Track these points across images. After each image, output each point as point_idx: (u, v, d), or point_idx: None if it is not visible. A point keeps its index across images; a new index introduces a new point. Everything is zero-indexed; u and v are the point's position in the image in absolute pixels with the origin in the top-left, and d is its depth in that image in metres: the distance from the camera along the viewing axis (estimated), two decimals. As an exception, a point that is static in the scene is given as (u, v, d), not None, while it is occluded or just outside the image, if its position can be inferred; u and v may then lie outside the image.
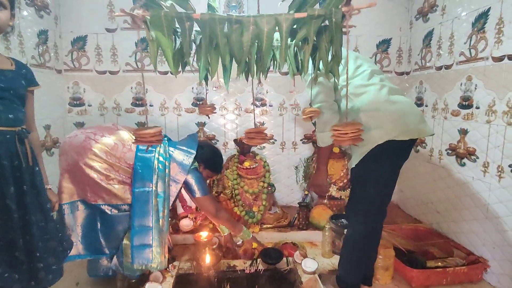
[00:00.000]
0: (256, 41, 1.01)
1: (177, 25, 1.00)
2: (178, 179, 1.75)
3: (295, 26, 1.03)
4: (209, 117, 2.68)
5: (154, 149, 1.69)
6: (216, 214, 1.86)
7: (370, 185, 1.52)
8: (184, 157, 1.78)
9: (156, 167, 1.66)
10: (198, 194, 1.80)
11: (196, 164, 1.86)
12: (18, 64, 1.29)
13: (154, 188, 1.63)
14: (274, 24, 0.97)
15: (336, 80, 1.14)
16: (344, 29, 0.98)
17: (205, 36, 0.99)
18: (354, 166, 1.55)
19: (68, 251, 1.54)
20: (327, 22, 0.99)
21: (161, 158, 1.69)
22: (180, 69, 1.23)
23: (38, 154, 1.37)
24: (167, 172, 1.70)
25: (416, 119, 1.49)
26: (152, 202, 1.61)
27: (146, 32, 0.97)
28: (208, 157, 1.95)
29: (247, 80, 1.44)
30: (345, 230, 1.79)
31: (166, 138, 1.87)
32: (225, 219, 1.91)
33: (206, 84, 1.56)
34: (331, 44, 1.00)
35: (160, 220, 1.64)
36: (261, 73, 1.26)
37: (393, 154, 1.51)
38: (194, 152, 1.80)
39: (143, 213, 1.60)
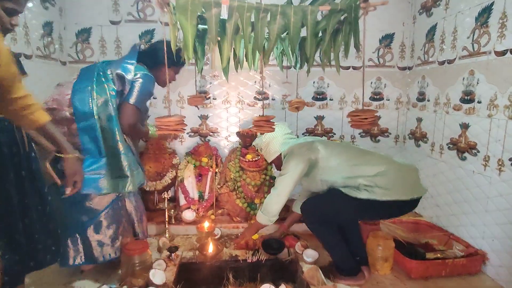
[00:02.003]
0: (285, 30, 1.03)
1: (200, 12, 1.00)
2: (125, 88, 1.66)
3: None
4: (198, 108, 2.62)
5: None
6: (134, 126, 1.70)
7: (339, 208, 1.66)
8: (126, 70, 1.66)
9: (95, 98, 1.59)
10: (132, 100, 1.65)
11: (145, 68, 1.73)
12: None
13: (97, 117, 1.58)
14: (301, 15, 0.99)
15: None
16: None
17: (230, 23, 1.00)
18: (343, 192, 1.64)
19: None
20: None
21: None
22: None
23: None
24: (109, 94, 1.61)
25: (415, 179, 1.69)
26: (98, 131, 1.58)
27: (169, 16, 0.97)
28: (152, 54, 1.80)
29: (262, 64, 1.44)
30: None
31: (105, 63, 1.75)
32: (140, 134, 1.84)
33: (200, 74, 1.59)
34: (348, 36, 1.04)
35: (119, 143, 1.62)
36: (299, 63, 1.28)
37: (386, 210, 1.67)
38: (134, 61, 1.69)
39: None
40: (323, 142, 1.81)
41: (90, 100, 1.58)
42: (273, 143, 1.87)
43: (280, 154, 1.88)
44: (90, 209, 1.66)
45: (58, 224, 1.46)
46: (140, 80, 1.67)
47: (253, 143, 2.05)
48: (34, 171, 1.33)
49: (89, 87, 1.59)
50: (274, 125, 1.19)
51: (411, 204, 1.66)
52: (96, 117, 1.57)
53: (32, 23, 2.14)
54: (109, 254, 1.70)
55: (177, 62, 1.83)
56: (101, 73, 1.65)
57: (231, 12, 0.99)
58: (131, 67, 1.67)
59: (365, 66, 2.76)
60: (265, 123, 1.12)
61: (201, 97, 1.70)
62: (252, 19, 1.04)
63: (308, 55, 1.14)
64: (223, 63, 1.21)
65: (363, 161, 1.68)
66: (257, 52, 1.28)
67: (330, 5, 1.00)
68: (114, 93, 1.62)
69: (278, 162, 1.91)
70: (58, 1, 2.45)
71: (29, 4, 2.14)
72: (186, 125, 1.10)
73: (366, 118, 1.06)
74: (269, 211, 1.78)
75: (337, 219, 1.71)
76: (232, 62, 1.44)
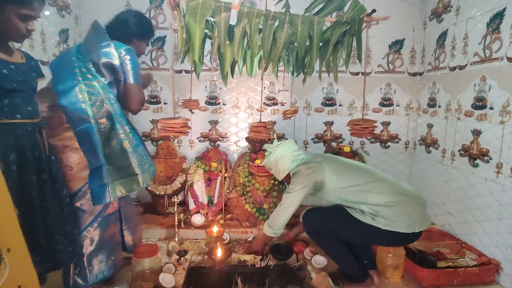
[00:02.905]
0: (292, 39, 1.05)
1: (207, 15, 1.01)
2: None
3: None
4: (192, 112, 2.55)
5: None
6: (144, 103, 1.59)
7: (343, 227, 1.67)
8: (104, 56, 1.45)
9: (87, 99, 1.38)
10: (131, 79, 1.51)
11: (119, 42, 1.54)
12: (27, 57, 1.34)
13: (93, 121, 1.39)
14: (308, 25, 1.01)
15: None
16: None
17: (238, 28, 1.02)
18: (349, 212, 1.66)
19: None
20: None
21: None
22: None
23: None
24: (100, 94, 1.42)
25: (421, 213, 1.66)
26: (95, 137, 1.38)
27: (178, 18, 0.99)
28: (121, 27, 1.65)
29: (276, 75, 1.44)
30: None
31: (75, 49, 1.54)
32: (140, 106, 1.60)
33: (198, 78, 1.56)
34: (350, 47, 1.06)
35: (124, 142, 1.45)
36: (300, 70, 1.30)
37: (387, 239, 1.67)
38: (110, 41, 1.47)
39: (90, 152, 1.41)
40: (332, 162, 1.78)
41: (82, 103, 1.36)
42: (282, 161, 1.84)
43: (289, 172, 1.86)
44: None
45: (74, 225, 1.49)
46: (127, 56, 1.50)
47: (262, 163, 2.05)
48: (54, 174, 1.37)
49: (77, 88, 1.37)
50: (271, 130, 1.21)
51: (413, 237, 1.64)
52: (92, 121, 1.36)
53: (49, 30, 2.21)
54: (103, 272, 1.59)
55: (147, 34, 1.74)
56: (84, 70, 1.43)
57: (240, 17, 1.01)
58: (112, 50, 1.46)
59: (371, 73, 2.75)
60: (263, 129, 1.13)
61: (195, 101, 1.69)
62: (260, 26, 1.06)
63: (310, 64, 1.16)
64: (225, 68, 1.22)
65: (372, 187, 1.65)
66: (255, 59, 1.30)
67: (336, 17, 1.02)
68: (107, 88, 1.45)
69: (288, 180, 1.90)
70: (74, 9, 2.52)
71: (46, 12, 2.21)
72: (190, 128, 1.12)
73: (366, 127, 1.07)
74: (274, 224, 1.80)
75: (336, 235, 1.71)
76: (237, 68, 1.45)
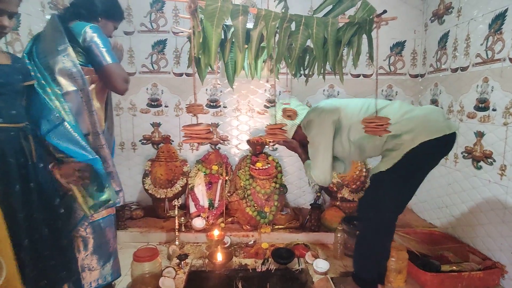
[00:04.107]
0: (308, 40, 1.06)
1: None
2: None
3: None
4: (197, 117, 2.56)
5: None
6: (127, 83, 1.48)
7: (393, 191, 1.55)
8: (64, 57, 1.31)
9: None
10: (108, 59, 1.39)
11: (81, 22, 1.42)
12: (13, 58, 1.24)
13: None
14: (323, 27, 1.01)
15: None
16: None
17: (255, 32, 1.02)
18: (383, 170, 1.54)
19: None
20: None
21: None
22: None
23: None
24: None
25: (441, 116, 1.52)
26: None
27: (195, 22, 0.98)
28: (87, 6, 1.50)
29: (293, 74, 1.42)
30: (358, 232, 1.78)
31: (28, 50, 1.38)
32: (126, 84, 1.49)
33: (202, 83, 1.52)
34: (360, 48, 1.07)
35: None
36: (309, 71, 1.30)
37: (426, 157, 1.52)
38: (67, 44, 1.32)
39: None
40: (336, 100, 1.73)
41: None
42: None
43: (299, 126, 1.77)
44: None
45: (73, 238, 1.39)
46: (94, 35, 1.37)
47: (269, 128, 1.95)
48: (42, 183, 1.24)
49: None
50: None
51: (446, 143, 1.52)
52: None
53: (35, 27, 2.19)
54: (97, 281, 1.50)
55: (115, 14, 1.61)
56: (39, 75, 1.31)
57: (257, 20, 1.01)
58: (70, 54, 1.32)
59: (372, 75, 2.74)
60: (279, 131, 1.13)
61: (200, 105, 1.67)
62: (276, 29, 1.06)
63: (318, 65, 1.16)
64: (237, 71, 1.22)
65: (382, 103, 1.59)
66: (259, 61, 1.30)
67: (349, 18, 1.03)
68: (61, 99, 1.32)
69: (301, 137, 1.78)
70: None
71: (47, 16, 2.21)
72: (214, 133, 1.11)
73: (381, 125, 1.09)
74: (324, 180, 1.67)
75: (392, 203, 1.58)
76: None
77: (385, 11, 1.04)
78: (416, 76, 2.74)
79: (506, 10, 1.79)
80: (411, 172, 1.54)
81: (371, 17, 1.03)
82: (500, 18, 1.83)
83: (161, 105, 2.77)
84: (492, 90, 1.89)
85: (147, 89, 2.74)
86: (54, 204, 1.28)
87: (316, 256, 1.95)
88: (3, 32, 1.15)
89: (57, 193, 1.31)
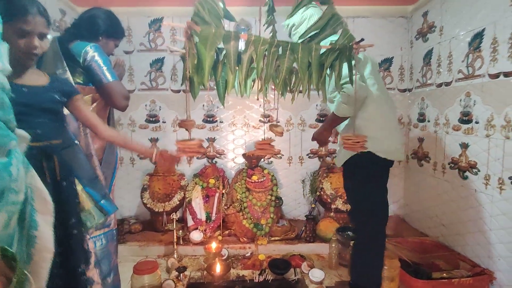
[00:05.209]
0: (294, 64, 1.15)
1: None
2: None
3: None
4: (189, 132, 2.60)
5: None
6: (127, 100, 1.53)
7: (368, 184, 1.72)
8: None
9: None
10: (109, 78, 1.44)
11: (82, 42, 1.46)
12: (53, 78, 1.27)
13: None
14: (307, 52, 1.11)
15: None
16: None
17: (246, 55, 1.12)
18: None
19: None
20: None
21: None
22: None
23: (126, 146, 1.41)
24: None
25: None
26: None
27: (190, 45, 1.06)
28: (88, 25, 1.54)
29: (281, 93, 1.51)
30: (352, 242, 1.84)
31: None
32: (126, 101, 1.54)
33: (194, 100, 1.57)
34: (341, 70, 1.17)
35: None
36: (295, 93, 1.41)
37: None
38: (65, 69, 1.39)
39: None
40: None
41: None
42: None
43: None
44: None
45: (81, 261, 1.35)
46: (95, 54, 1.42)
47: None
48: (63, 202, 1.22)
49: None
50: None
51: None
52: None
53: None
54: None
55: (116, 32, 1.65)
56: None
57: (247, 45, 1.11)
58: (67, 75, 1.39)
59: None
60: (268, 146, 1.21)
61: (191, 121, 1.74)
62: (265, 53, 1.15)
63: (303, 86, 1.25)
64: (228, 90, 1.31)
65: None
66: (248, 81, 1.40)
67: (331, 45, 1.13)
68: None
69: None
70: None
71: (49, 37, 2.30)
72: (205, 148, 1.19)
73: (358, 142, 1.18)
74: (345, 114, 1.63)
75: (381, 195, 1.76)
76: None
77: (362, 39, 1.15)
78: (404, 90, 2.86)
79: (483, 30, 1.92)
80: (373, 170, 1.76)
81: (350, 44, 1.14)
82: (478, 37, 1.96)
83: (159, 121, 2.84)
84: (474, 104, 2.00)
85: (145, 105, 2.82)
86: (69, 223, 1.27)
87: (311, 266, 2.00)
88: (34, 53, 1.14)
89: (74, 212, 1.31)
